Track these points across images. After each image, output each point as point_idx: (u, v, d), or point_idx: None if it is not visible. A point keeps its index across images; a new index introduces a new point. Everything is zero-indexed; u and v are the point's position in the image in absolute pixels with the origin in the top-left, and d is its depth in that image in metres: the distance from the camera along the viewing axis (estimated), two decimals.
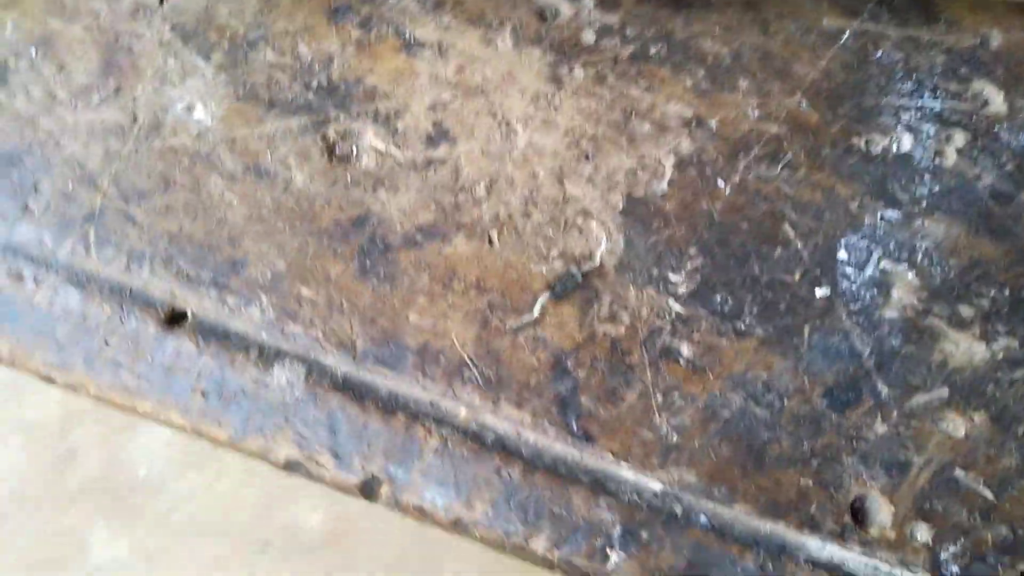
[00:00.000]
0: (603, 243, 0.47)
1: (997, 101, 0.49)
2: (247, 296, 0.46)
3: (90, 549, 1.22)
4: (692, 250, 0.47)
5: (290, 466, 0.46)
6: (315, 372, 0.46)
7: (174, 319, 0.47)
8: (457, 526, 0.46)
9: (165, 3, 0.46)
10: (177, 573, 1.22)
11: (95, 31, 0.46)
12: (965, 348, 0.46)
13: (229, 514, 1.21)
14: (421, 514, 0.46)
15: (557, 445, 0.46)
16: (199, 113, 0.46)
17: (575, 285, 0.46)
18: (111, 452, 1.22)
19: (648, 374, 0.46)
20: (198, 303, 0.46)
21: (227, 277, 0.46)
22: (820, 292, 0.47)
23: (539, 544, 0.45)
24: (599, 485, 0.45)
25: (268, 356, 0.46)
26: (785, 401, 0.46)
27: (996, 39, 0.50)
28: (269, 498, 1.23)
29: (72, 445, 1.24)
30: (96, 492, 1.22)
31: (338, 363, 0.46)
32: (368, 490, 0.45)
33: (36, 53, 0.45)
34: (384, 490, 0.45)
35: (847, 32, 0.50)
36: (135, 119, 0.46)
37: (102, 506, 1.23)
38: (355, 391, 0.46)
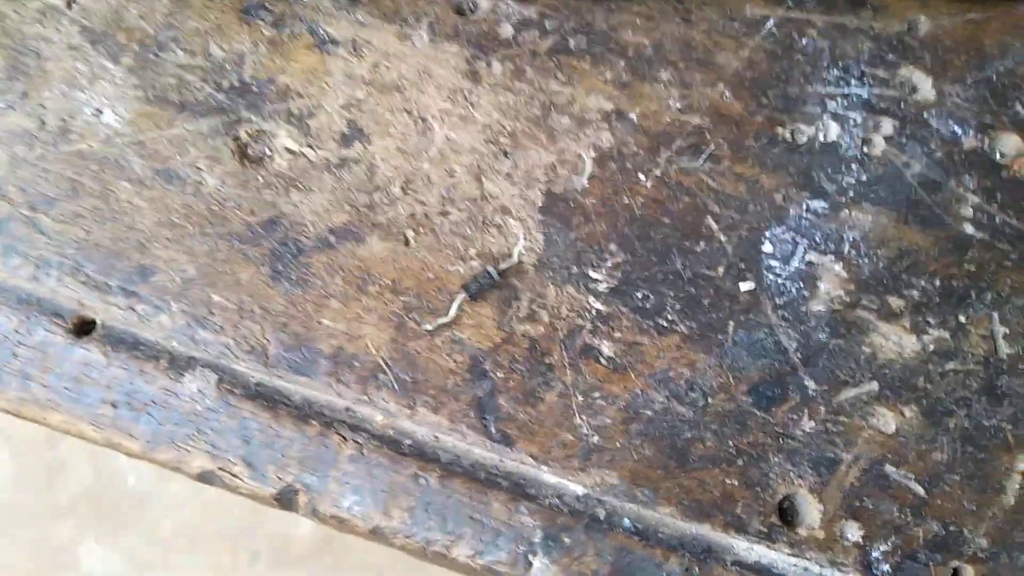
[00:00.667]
0: (522, 241, 0.44)
1: (925, 87, 0.47)
2: (156, 303, 0.44)
3: (80, 561, 1.19)
4: (613, 246, 0.45)
5: (204, 477, 0.43)
6: (227, 380, 0.43)
7: (82, 328, 0.44)
8: (376, 535, 0.43)
9: (73, 6, 0.43)
10: None
11: (1, 36, 0.43)
12: (895, 341, 0.44)
13: (219, 523, 1.19)
14: (339, 523, 0.43)
15: (475, 449, 0.43)
16: (108, 117, 0.43)
17: (492, 285, 0.43)
18: (99, 463, 1.19)
19: (568, 374, 0.43)
20: (106, 311, 0.44)
21: (136, 284, 0.44)
22: (744, 286, 0.45)
23: (460, 552, 0.42)
24: (519, 489, 0.43)
25: (179, 364, 0.43)
26: (709, 399, 0.43)
27: (924, 25, 0.47)
28: (259, 507, 1.20)
29: (60, 457, 1.21)
30: (85, 504, 1.19)
31: (250, 370, 0.43)
32: (285, 500, 0.43)
33: None
34: (301, 500, 0.43)
35: (771, 20, 0.48)
36: (42, 124, 0.43)
37: (92, 518, 1.20)
38: (268, 398, 0.43)
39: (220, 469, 0.43)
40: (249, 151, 0.44)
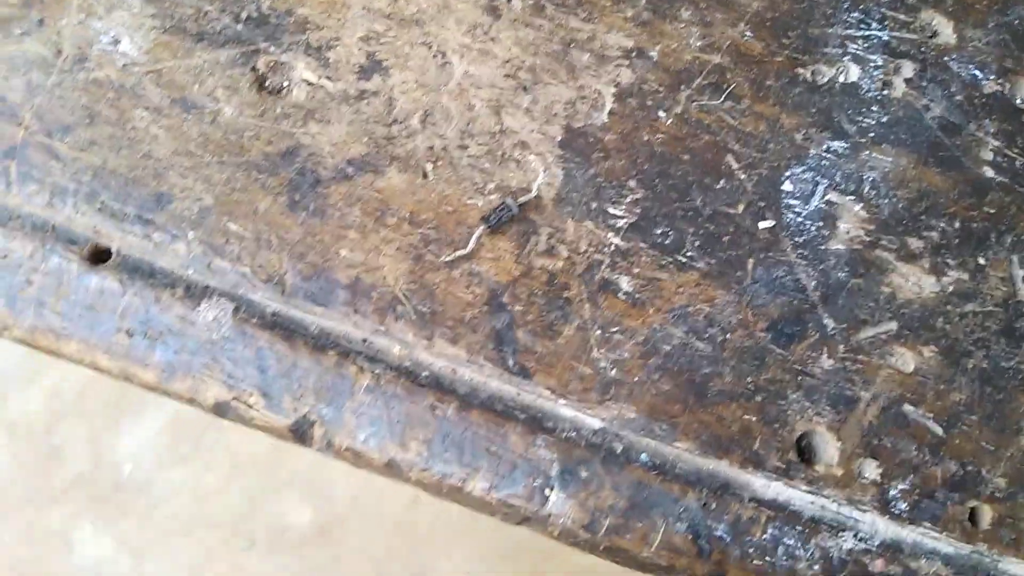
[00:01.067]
0: (541, 176, 0.43)
1: (946, 31, 0.46)
2: (173, 232, 0.42)
3: (74, 547, 1.18)
4: (632, 183, 0.43)
5: (219, 408, 0.42)
6: (243, 309, 0.42)
7: (98, 256, 0.43)
8: (391, 468, 0.42)
9: None
10: (163, 570, 1.18)
11: None
12: (914, 281, 0.43)
13: (215, 510, 1.17)
14: (355, 456, 0.42)
15: (493, 382, 0.42)
16: (125, 46, 0.42)
17: (511, 217, 0.42)
18: (96, 450, 1.18)
19: (586, 308, 0.42)
20: (122, 239, 0.42)
21: (152, 212, 0.42)
22: (764, 225, 0.43)
23: (476, 485, 0.41)
24: (536, 422, 0.42)
25: (195, 293, 0.42)
26: (728, 335, 0.42)
27: None
28: (255, 494, 1.19)
29: (56, 443, 1.20)
30: (81, 490, 1.17)
31: (267, 299, 0.42)
32: (300, 432, 0.42)
33: None
34: (316, 432, 0.42)
35: None
36: (59, 52, 0.42)
37: (87, 504, 1.19)
38: (285, 328, 0.42)
39: (235, 399, 0.42)
40: (267, 82, 0.43)
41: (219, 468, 1.18)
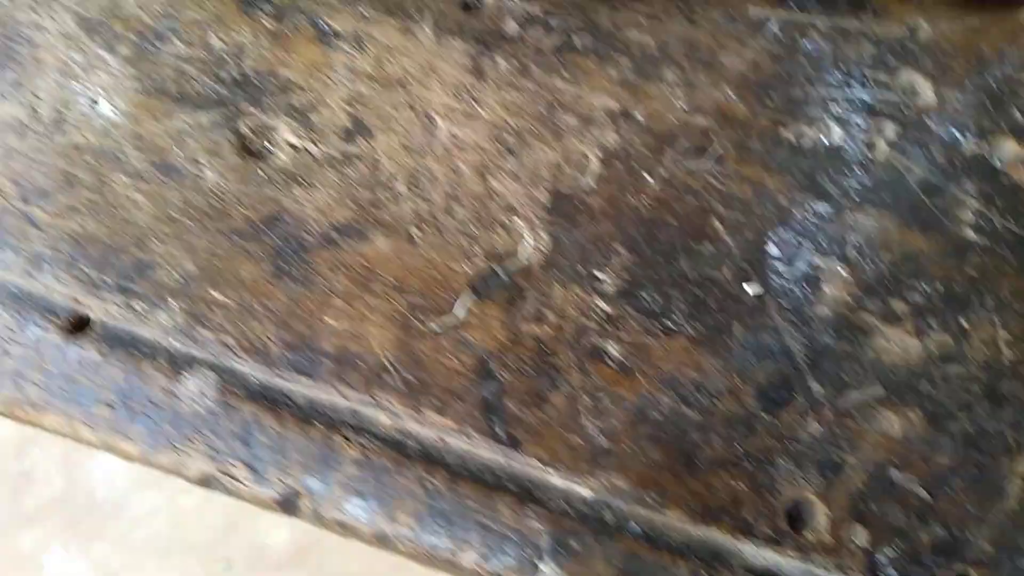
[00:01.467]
0: (528, 240, 0.42)
1: (926, 92, 0.45)
2: (154, 300, 0.41)
3: (46, 571, 1.15)
4: (619, 247, 0.43)
5: (205, 481, 0.41)
6: (228, 380, 0.40)
7: (78, 326, 0.41)
8: (381, 541, 0.41)
9: None
10: None
11: None
12: (899, 344, 0.42)
13: (191, 532, 1.14)
14: (344, 529, 0.41)
15: (482, 452, 0.41)
16: (104, 108, 0.41)
17: (500, 284, 0.41)
18: (69, 472, 1.14)
19: (575, 376, 0.41)
20: (103, 308, 0.41)
21: (133, 281, 0.41)
22: (750, 288, 0.43)
23: (467, 558, 0.40)
24: (527, 493, 0.41)
25: (178, 364, 0.41)
26: (716, 402, 0.42)
27: (924, 29, 0.45)
28: (233, 515, 1.16)
29: (28, 467, 1.17)
30: (54, 514, 1.14)
31: (252, 370, 0.41)
32: (288, 505, 0.40)
33: None
34: (304, 504, 0.40)
35: (773, 21, 0.46)
36: (35, 114, 0.40)
37: (60, 527, 1.16)
38: (270, 399, 0.41)
39: (221, 472, 0.40)
40: (250, 145, 0.42)
41: (195, 490, 1.16)
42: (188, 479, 0.40)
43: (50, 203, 0.40)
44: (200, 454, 0.39)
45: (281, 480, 0.39)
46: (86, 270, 0.39)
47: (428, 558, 0.39)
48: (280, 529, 1.18)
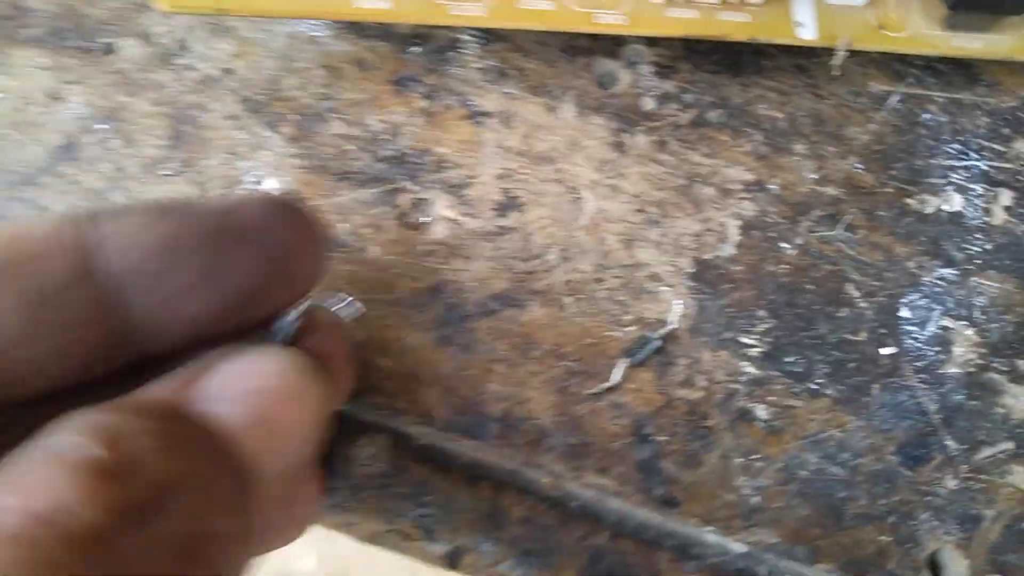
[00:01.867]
0: (675, 307, 0.44)
1: None
2: None
3: None
4: (762, 312, 0.45)
5: (373, 538, 0.42)
6: (398, 443, 0.42)
7: None
8: None
9: (231, 76, 0.43)
10: None
11: (162, 105, 0.42)
12: None
13: None
14: None
15: (641, 511, 0.43)
16: (270, 185, 0.42)
17: (651, 350, 0.43)
18: None
19: (727, 437, 0.43)
20: None
21: None
22: (886, 351, 0.45)
23: None
24: (684, 549, 0.42)
25: (352, 429, 0.43)
26: (860, 460, 0.43)
27: None
28: None
29: None
30: None
31: (421, 433, 0.42)
32: (454, 561, 0.42)
33: (104, 128, 0.42)
34: (470, 561, 0.42)
35: (894, 95, 0.48)
36: (205, 191, 0.42)
37: None
38: (439, 461, 0.42)
39: (390, 531, 0.42)
40: (409, 219, 0.44)
41: None
42: (358, 538, 0.41)
43: None
44: (374, 514, 0.41)
45: (450, 537, 0.41)
46: None
47: None
48: (308, 554, 1.19)
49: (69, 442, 0.22)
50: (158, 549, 0.22)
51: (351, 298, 0.41)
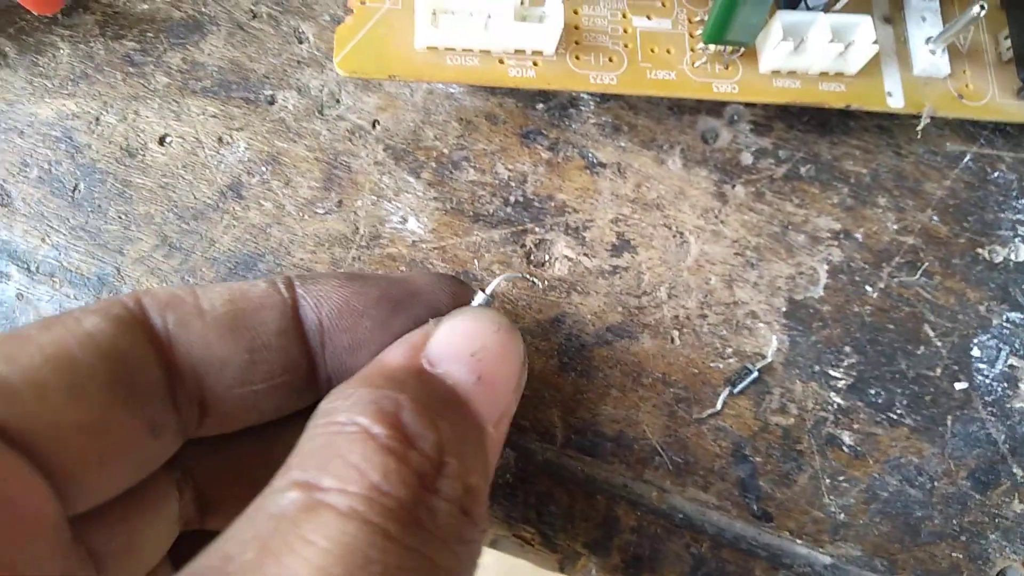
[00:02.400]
0: (771, 342, 0.49)
1: None
2: None
3: None
4: (847, 348, 0.50)
5: (494, 543, 0.48)
6: (522, 457, 0.48)
7: None
8: None
9: (377, 126, 0.48)
10: None
11: (316, 151, 0.48)
12: None
13: None
14: None
15: (738, 524, 0.48)
16: (412, 224, 0.48)
17: (752, 381, 0.48)
18: None
19: (816, 460, 0.48)
20: None
21: None
22: (959, 386, 0.50)
23: None
24: (776, 559, 0.48)
25: None
26: (935, 483, 0.49)
27: None
28: None
29: None
30: None
31: (542, 449, 0.48)
32: (567, 564, 0.47)
33: (266, 170, 0.48)
34: (582, 563, 0.47)
35: (967, 155, 0.53)
36: (356, 229, 0.48)
37: None
38: (557, 475, 0.48)
39: (514, 535, 0.48)
40: (534, 258, 0.50)
41: None
42: (487, 545, 0.47)
43: None
44: (499, 520, 0.46)
45: (568, 543, 0.46)
46: None
47: None
48: None
49: (356, 424, 0.28)
50: (444, 510, 0.27)
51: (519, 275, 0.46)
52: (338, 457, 0.25)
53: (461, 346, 0.31)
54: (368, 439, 0.25)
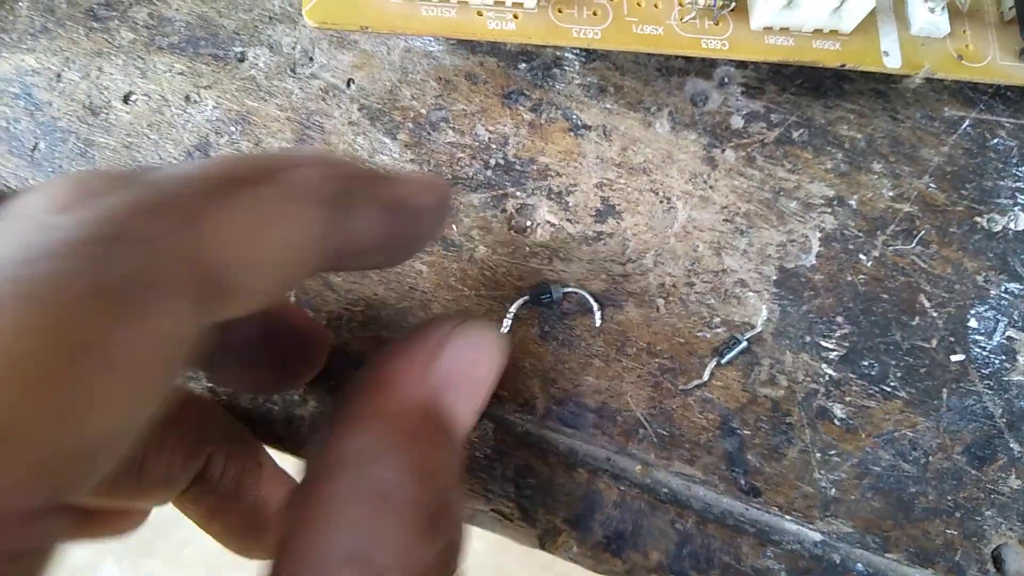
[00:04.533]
0: (760, 311, 0.48)
1: None
2: None
3: None
4: (840, 319, 0.48)
5: (472, 518, 0.46)
6: (501, 429, 0.46)
7: None
8: (631, 574, 0.46)
9: (352, 85, 0.46)
10: None
11: (288, 110, 0.46)
12: None
13: None
14: (596, 562, 0.46)
15: (725, 499, 0.46)
16: None
17: (740, 351, 0.47)
18: None
19: (807, 433, 0.47)
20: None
21: None
22: (955, 358, 0.48)
23: None
24: (764, 535, 0.46)
25: None
26: (930, 458, 0.47)
27: None
28: None
29: None
30: None
31: (522, 421, 0.46)
32: (547, 540, 0.46)
33: (235, 130, 0.46)
34: (563, 540, 0.46)
35: (966, 121, 0.52)
36: None
37: (111, 544, 1.21)
38: (538, 447, 0.46)
39: (492, 511, 0.46)
40: (515, 223, 0.48)
41: None
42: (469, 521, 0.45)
43: (344, 272, 0.45)
44: (477, 495, 0.44)
45: (547, 518, 0.44)
46: (378, 331, 0.45)
47: None
48: None
49: (397, 486, 0.27)
50: (443, 548, 0.26)
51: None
52: (377, 526, 0.26)
53: (470, 375, 0.33)
54: (410, 510, 0.28)
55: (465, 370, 0.32)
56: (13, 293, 0.17)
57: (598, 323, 0.43)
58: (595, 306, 0.43)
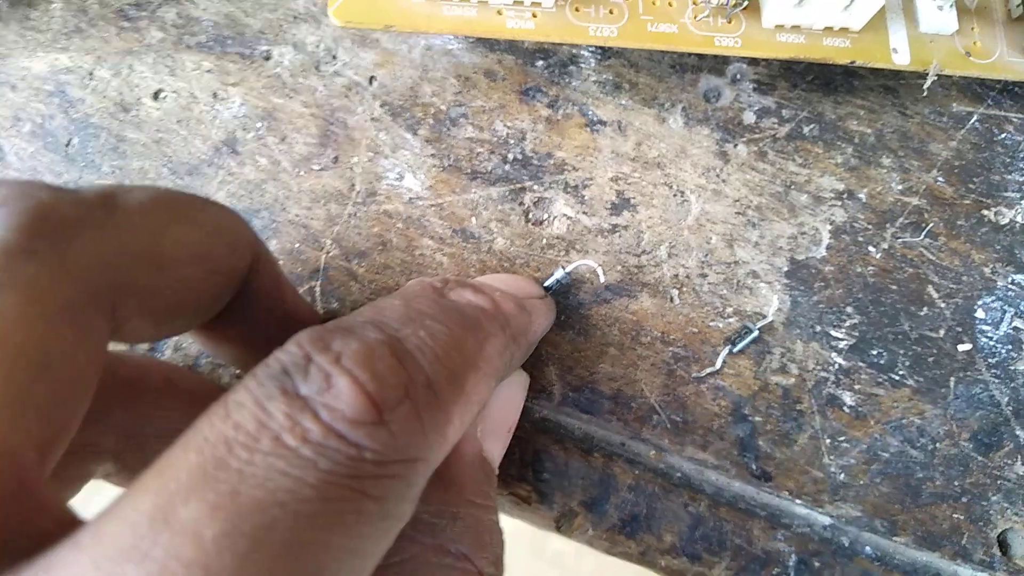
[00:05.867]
0: (772, 302, 0.49)
1: None
2: None
3: None
4: (849, 309, 0.50)
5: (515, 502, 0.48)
6: (519, 416, 0.48)
7: None
8: (645, 556, 0.48)
9: (374, 82, 0.48)
10: None
11: (312, 107, 0.48)
12: None
13: None
14: (611, 544, 0.48)
15: (737, 483, 0.48)
16: (409, 182, 0.48)
17: (752, 340, 0.48)
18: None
19: (816, 420, 0.49)
20: None
21: None
22: (962, 347, 0.50)
23: (719, 572, 0.47)
24: (775, 519, 0.48)
25: None
26: (937, 444, 0.49)
27: None
28: None
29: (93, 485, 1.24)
30: None
31: (539, 407, 0.48)
32: (564, 523, 0.48)
33: (261, 126, 0.48)
34: (579, 523, 0.48)
35: (974, 116, 0.53)
36: (352, 186, 0.48)
37: None
38: (554, 433, 0.48)
39: (510, 494, 0.48)
40: (532, 216, 0.50)
41: None
42: None
43: (368, 262, 0.47)
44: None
45: (564, 502, 0.46)
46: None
47: (683, 571, 0.46)
48: None
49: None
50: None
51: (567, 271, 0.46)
52: None
53: (503, 424, 0.42)
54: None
55: (500, 419, 0.40)
56: None
57: (602, 279, 0.45)
58: (597, 268, 0.45)
